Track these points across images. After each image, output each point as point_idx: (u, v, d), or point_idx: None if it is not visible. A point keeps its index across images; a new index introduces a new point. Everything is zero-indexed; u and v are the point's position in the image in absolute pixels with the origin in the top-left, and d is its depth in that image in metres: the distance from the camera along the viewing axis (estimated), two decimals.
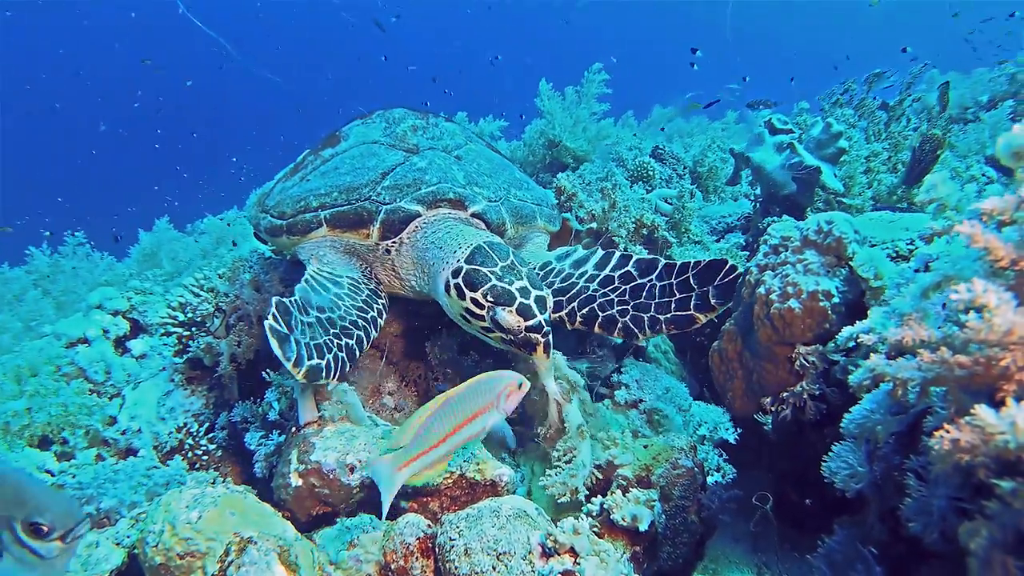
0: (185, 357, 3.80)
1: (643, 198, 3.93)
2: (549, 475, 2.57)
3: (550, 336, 2.52)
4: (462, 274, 2.58)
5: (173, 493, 2.02)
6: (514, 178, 3.51)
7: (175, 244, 6.84)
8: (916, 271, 1.54)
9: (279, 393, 2.75)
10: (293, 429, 2.56)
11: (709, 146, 6.08)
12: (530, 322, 2.47)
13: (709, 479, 3.12)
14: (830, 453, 1.66)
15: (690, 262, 2.85)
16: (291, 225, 3.05)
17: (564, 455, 2.59)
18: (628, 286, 2.91)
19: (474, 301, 2.53)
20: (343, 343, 2.55)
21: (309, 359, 2.34)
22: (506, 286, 2.50)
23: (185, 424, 3.55)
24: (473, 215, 3.04)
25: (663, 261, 2.93)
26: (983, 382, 0.96)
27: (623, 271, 2.97)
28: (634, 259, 3.00)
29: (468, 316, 2.61)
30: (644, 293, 2.86)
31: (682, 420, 3.65)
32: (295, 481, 2.29)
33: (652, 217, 3.72)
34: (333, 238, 3.05)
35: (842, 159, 4.38)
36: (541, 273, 3.16)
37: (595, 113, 6.04)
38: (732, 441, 3.63)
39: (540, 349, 2.50)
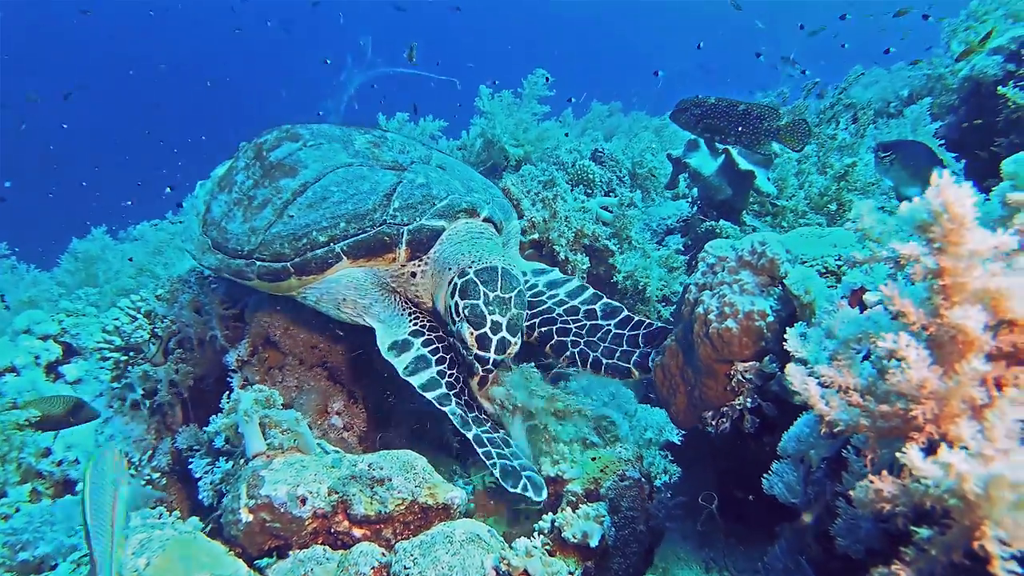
0: (124, 382, 3.68)
1: (583, 208, 3.99)
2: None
3: (490, 375, 2.77)
4: (465, 278, 2.78)
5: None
6: (483, 179, 3.61)
7: (112, 254, 6.54)
8: (843, 298, 1.62)
9: (224, 422, 2.70)
10: (242, 461, 2.52)
11: (647, 148, 6.19)
12: (481, 352, 2.68)
13: (656, 482, 3.21)
14: (771, 471, 1.74)
15: (647, 321, 3.08)
16: (301, 265, 2.92)
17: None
18: (589, 322, 3.13)
19: (456, 306, 2.75)
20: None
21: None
22: (485, 312, 2.69)
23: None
24: (484, 220, 3.12)
25: (625, 312, 3.14)
26: (898, 433, 1.04)
27: (589, 308, 3.19)
28: (602, 300, 3.22)
29: (448, 314, 2.83)
30: (599, 334, 3.07)
31: (628, 425, 3.73)
32: (245, 516, 2.25)
33: (593, 228, 3.78)
34: (353, 270, 2.99)
35: (775, 162, 4.52)
36: None
37: (536, 114, 6.09)
38: (677, 442, 3.73)
39: (475, 380, 2.80)
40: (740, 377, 2.19)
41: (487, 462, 2.62)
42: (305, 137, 3.35)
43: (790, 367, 1.18)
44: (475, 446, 2.65)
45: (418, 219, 2.97)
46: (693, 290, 2.33)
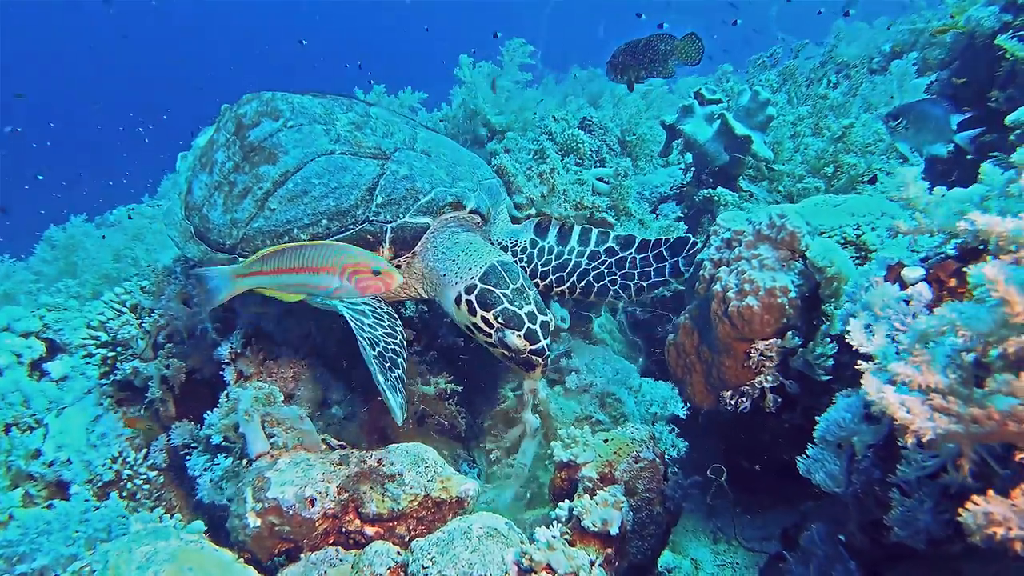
0: (112, 378, 3.56)
1: (579, 180, 3.88)
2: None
3: (549, 359, 2.75)
4: (475, 292, 2.73)
5: (121, 553, 1.88)
6: (471, 158, 3.49)
7: (92, 242, 6.30)
8: (885, 279, 1.53)
9: (223, 423, 2.59)
10: (244, 462, 2.43)
11: (635, 114, 6.06)
12: (535, 346, 2.67)
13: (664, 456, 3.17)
14: (806, 454, 1.67)
15: (662, 239, 3.25)
16: None
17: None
18: (613, 259, 3.30)
19: (484, 320, 2.70)
20: (398, 374, 2.67)
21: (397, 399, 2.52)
22: (516, 310, 2.66)
23: (121, 452, 3.34)
24: (471, 212, 3.08)
25: (639, 237, 3.29)
26: (996, 439, 0.95)
27: (606, 246, 3.34)
28: (612, 235, 3.33)
29: (474, 330, 2.77)
30: (627, 264, 3.27)
31: (634, 401, 3.68)
32: (253, 521, 2.17)
33: (592, 199, 3.68)
34: None
35: (770, 125, 4.43)
36: (535, 251, 3.39)
37: (518, 82, 5.92)
38: (683, 416, 3.68)
39: (538, 371, 2.73)
40: (761, 355, 2.12)
41: (373, 375, 2.56)
42: (285, 115, 3.15)
43: (867, 378, 1.07)
44: (372, 365, 2.57)
45: (401, 216, 2.88)
46: (708, 266, 2.25)
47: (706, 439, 3.69)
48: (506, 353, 2.72)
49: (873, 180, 4.15)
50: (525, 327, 2.64)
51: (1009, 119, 3.55)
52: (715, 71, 7.19)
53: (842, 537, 1.72)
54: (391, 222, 2.86)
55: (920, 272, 1.47)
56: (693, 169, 4.81)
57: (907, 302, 1.39)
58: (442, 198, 2.96)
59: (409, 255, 2.96)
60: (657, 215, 4.66)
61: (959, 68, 5.43)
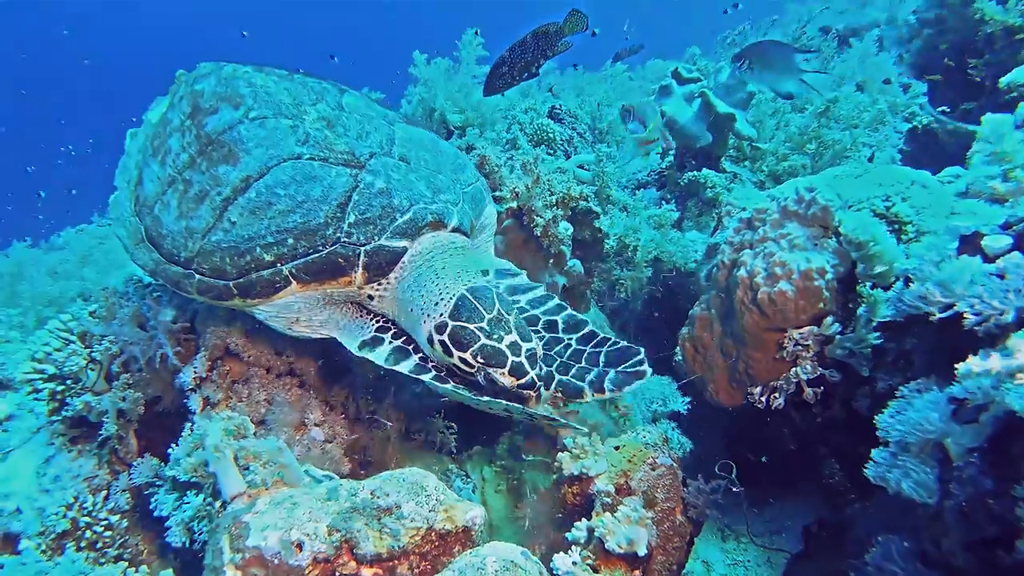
0: (64, 415, 3.22)
1: (562, 168, 3.67)
2: None
3: (542, 389, 2.47)
4: (447, 331, 2.43)
5: None
6: (454, 158, 3.15)
7: (36, 270, 5.87)
8: (961, 252, 1.32)
9: (190, 462, 2.29)
10: (219, 505, 2.14)
11: (605, 100, 5.89)
12: (523, 380, 2.39)
13: None
14: (875, 459, 1.45)
15: (611, 339, 2.74)
16: (245, 287, 2.53)
17: None
18: (549, 334, 2.83)
19: (463, 360, 2.43)
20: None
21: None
22: (496, 344, 2.38)
23: (77, 496, 3.01)
24: (453, 230, 2.77)
25: (588, 327, 2.82)
26: None
27: (550, 318, 2.87)
28: (566, 312, 2.89)
29: (456, 370, 2.50)
30: (558, 347, 2.78)
31: (633, 400, 3.49)
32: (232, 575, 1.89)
33: (579, 189, 3.46)
34: (306, 294, 2.61)
35: (751, 102, 4.28)
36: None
37: (476, 77, 5.68)
38: (683, 412, 3.50)
39: (532, 402, 2.46)
40: (796, 345, 1.90)
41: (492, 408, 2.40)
42: (247, 103, 2.78)
43: None
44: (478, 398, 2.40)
45: (377, 238, 2.58)
46: (727, 250, 2.03)
47: (703, 431, 3.53)
48: (495, 390, 2.46)
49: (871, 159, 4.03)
50: (508, 363, 2.37)
51: (1004, 81, 3.43)
52: (683, 54, 7.05)
53: (907, 544, 1.52)
54: (365, 244, 2.56)
55: (1007, 241, 1.27)
56: (672, 152, 4.63)
57: (1000, 276, 1.18)
58: (422, 217, 2.66)
59: (384, 281, 2.67)
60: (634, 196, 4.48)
61: (930, 37, 5.36)
